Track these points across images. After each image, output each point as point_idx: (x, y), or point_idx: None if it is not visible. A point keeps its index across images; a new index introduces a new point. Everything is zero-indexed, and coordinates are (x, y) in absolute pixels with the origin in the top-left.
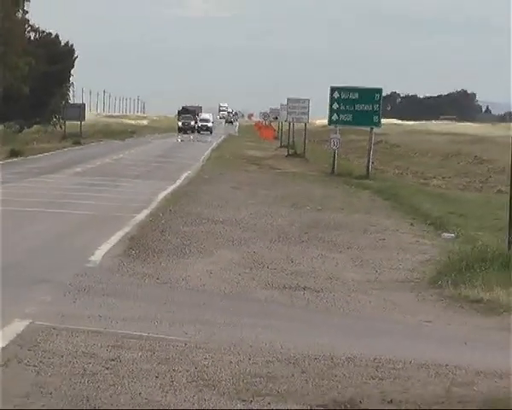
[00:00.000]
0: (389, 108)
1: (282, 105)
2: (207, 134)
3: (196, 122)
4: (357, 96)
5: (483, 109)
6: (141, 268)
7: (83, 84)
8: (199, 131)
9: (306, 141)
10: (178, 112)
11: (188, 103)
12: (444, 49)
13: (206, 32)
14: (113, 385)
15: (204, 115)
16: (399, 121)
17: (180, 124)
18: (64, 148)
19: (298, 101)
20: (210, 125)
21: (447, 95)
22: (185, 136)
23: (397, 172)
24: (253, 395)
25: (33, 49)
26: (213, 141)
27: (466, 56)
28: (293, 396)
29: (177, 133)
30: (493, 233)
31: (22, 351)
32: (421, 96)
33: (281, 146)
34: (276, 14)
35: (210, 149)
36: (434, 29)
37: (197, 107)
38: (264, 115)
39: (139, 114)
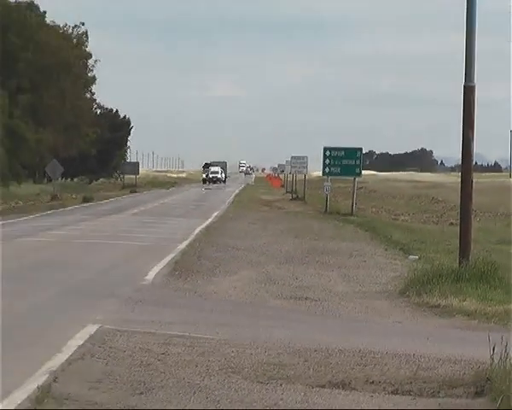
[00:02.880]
0: (367, 162)
1: (287, 161)
2: (222, 185)
3: (207, 175)
4: (343, 153)
5: (438, 162)
6: (182, 284)
7: (137, 147)
8: (209, 182)
9: (306, 188)
10: (203, 167)
11: (214, 160)
12: (407, 118)
13: (226, 108)
14: (163, 372)
15: (213, 168)
16: (375, 172)
17: (204, 176)
18: (123, 195)
19: (299, 158)
20: (219, 176)
21: (411, 152)
22: (209, 186)
23: (374, 210)
24: (268, 379)
25: (99, 121)
26: (235, 189)
27: (424, 123)
28: (299, 379)
29: (202, 184)
30: (447, 255)
31: (94, 348)
32: (392, 153)
33: (286, 192)
34: (276, 95)
35: (233, 194)
36: (396, 104)
37: (221, 162)
38: (274, 169)
39: (179, 169)
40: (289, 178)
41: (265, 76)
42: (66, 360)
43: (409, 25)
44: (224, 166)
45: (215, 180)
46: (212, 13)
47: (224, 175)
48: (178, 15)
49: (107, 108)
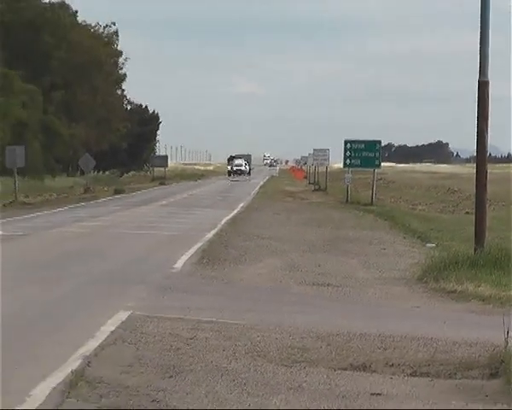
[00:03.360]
0: (386, 155)
1: (309, 154)
2: (247, 177)
3: (232, 167)
4: (363, 146)
5: (454, 154)
6: (210, 272)
7: (166, 141)
8: (234, 175)
9: (327, 179)
10: (228, 160)
11: (239, 153)
12: (425, 113)
13: (251, 104)
14: (192, 356)
15: (237, 161)
16: (394, 164)
17: (229, 168)
18: (153, 187)
19: (320, 150)
20: (243, 168)
21: (428, 144)
22: (235, 178)
23: (392, 200)
24: (293, 362)
25: (129, 116)
26: (260, 181)
27: (441, 117)
28: (322, 362)
29: (227, 176)
30: (463, 243)
31: (125, 333)
32: (410, 146)
33: (309, 183)
34: (299, 91)
35: (258, 186)
36: (414, 99)
37: (245, 155)
38: (297, 161)
39: (206, 162)
40: (312, 170)
41: (288, 74)
42: (99, 346)
43: (424, 24)
44: (248, 158)
45: (239, 173)
46: (236, 15)
47: (248, 167)
48: (204, 17)
49: (136, 104)
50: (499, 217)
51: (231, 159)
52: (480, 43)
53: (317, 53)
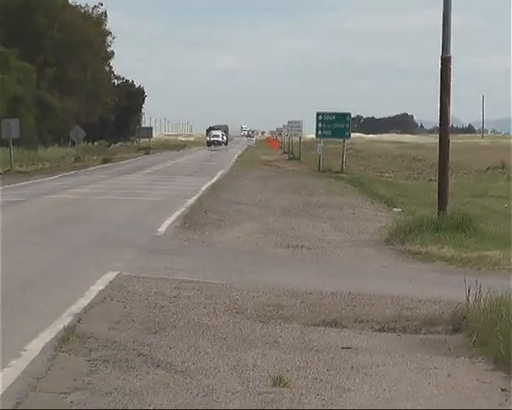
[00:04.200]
0: (355, 126)
1: (284, 125)
2: (224, 147)
3: (210, 138)
4: (334, 118)
5: (418, 126)
6: (191, 235)
7: (150, 114)
8: (212, 145)
9: (301, 149)
10: (206, 131)
11: (217, 124)
12: (391, 86)
13: (230, 79)
14: (175, 313)
15: (214, 132)
16: (363, 135)
17: (208, 139)
18: (138, 157)
19: (295, 122)
20: (220, 139)
21: (394, 116)
22: (215, 148)
23: (361, 168)
24: (269, 318)
25: (116, 91)
26: (238, 151)
27: (406, 90)
28: (296, 319)
29: (207, 146)
30: (427, 208)
31: (113, 292)
32: (377, 117)
33: (284, 153)
34: (274, 67)
35: (236, 155)
36: (381, 74)
37: (223, 126)
38: (272, 132)
39: (188, 133)
40: (286, 141)
41: (265, 50)
42: (89, 304)
43: (392, 3)
44: (225, 129)
45: (216, 143)
46: None
47: (225, 138)
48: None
49: (123, 79)
50: (460, 184)
51: (209, 130)
52: (443, 22)
53: (291, 30)
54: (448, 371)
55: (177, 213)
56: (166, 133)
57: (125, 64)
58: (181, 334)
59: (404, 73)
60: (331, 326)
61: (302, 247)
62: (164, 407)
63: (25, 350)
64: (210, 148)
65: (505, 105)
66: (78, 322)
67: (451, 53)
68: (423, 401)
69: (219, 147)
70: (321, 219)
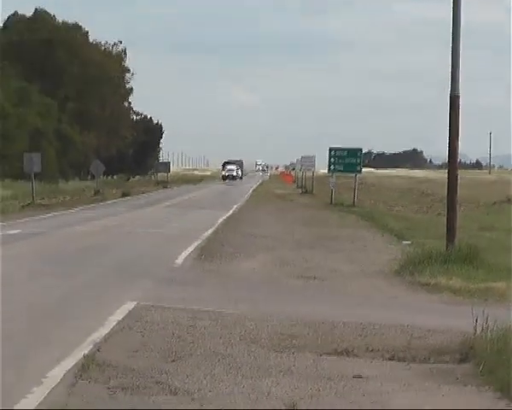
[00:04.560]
0: (367, 161)
1: (297, 160)
2: (239, 181)
3: (225, 172)
4: (346, 153)
5: (428, 161)
6: (208, 266)
7: (168, 149)
8: (224, 179)
9: (313, 183)
10: (222, 165)
11: (232, 158)
12: (401, 123)
13: (245, 115)
14: (192, 343)
15: (229, 167)
16: (373, 170)
17: (223, 173)
18: (156, 191)
19: (308, 157)
20: (235, 174)
21: (404, 152)
22: (231, 182)
23: (372, 202)
24: (283, 348)
25: (135, 126)
26: (253, 185)
27: (416, 127)
28: (309, 348)
29: (222, 180)
30: (436, 240)
31: (132, 322)
32: (388, 153)
33: (297, 187)
34: (287, 104)
35: (251, 189)
36: (392, 111)
37: (238, 161)
38: (286, 167)
39: (205, 167)
40: (299, 175)
41: (278, 88)
42: (108, 333)
43: (398, 44)
44: (240, 164)
45: (231, 177)
46: (228, 34)
47: (240, 172)
48: (203, 36)
49: (142, 114)
50: (468, 217)
51: (225, 164)
52: (452, 61)
53: (302, 70)
54: (456, 399)
55: (194, 245)
56: (184, 168)
57: (144, 100)
58: (197, 362)
59: (413, 109)
60: (343, 355)
61: (314, 278)
62: None
63: (46, 377)
64: (225, 182)
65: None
66: (98, 350)
67: (459, 92)
68: None
69: (234, 181)
70: (333, 251)
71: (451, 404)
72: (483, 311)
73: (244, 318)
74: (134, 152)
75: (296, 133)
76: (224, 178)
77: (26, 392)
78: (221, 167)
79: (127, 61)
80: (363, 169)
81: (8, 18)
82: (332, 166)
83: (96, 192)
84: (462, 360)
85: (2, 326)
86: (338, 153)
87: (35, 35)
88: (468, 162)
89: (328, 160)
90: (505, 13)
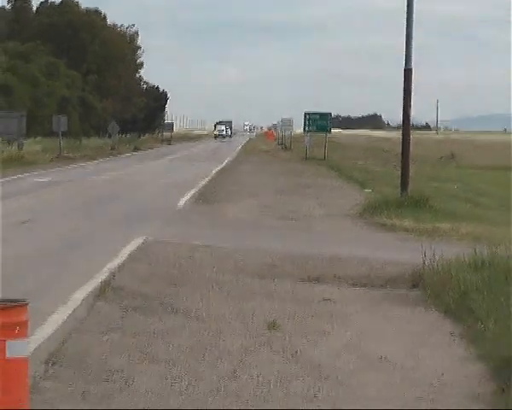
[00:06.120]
0: (335, 123)
1: (278, 122)
2: (228, 139)
3: (216, 131)
4: (318, 116)
5: (386, 123)
6: (203, 209)
7: (172, 111)
8: (216, 137)
9: (291, 141)
10: (214, 125)
11: (223, 119)
12: (364, 92)
13: (233, 85)
14: (190, 271)
15: (219, 127)
16: (341, 130)
17: (215, 132)
18: (162, 146)
19: (287, 119)
20: (224, 133)
21: (366, 115)
22: (223, 140)
23: (340, 157)
24: (265, 276)
25: (145, 94)
26: (242, 142)
27: (376, 95)
28: (287, 275)
29: (215, 139)
30: (392, 189)
31: (140, 254)
32: (353, 117)
33: (278, 144)
34: (270, 76)
35: (240, 146)
36: (357, 82)
37: (228, 121)
38: (269, 128)
39: (202, 127)
40: (280, 134)
41: (262, 63)
42: (121, 263)
43: (364, 22)
44: (230, 124)
45: (222, 136)
46: (224, 18)
47: (229, 132)
48: (202, 20)
49: (151, 85)
50: (418, 171)
51: (216, 124)
52: (406, 38)
53: (283, 48)
54: (408, 318)
55: (192, 192)
56: (185, 128)
57: (153, 73)
58: (195, 287)
59: (375, 81)
60: (315, 282)
61: (292, 219)
62: (182, 343)
63: (70, 299)
64: (218, 139)
65: (456, 107)
66: (113, 277)
67: (412, 66)
68: (387, 341)
69: (225, 139)
70: (307, 197)
71: (405, 322)
72: (430, 246)
73: (234, 251)
74: (144, 115)
75: (278, 100)
76: (216, 136)
77: (53, 311)
78: (213, 127)
79: (139, 41)
80: (333, 130)
81: (41, 4)
82: (307, 128)
83: (113, 147)
84: (414, 287)
85: (33, 258)
86: (312, 116)
87: (62, 19)
88: (419, 125)
89: (303, 122)
90: (451, 4)
